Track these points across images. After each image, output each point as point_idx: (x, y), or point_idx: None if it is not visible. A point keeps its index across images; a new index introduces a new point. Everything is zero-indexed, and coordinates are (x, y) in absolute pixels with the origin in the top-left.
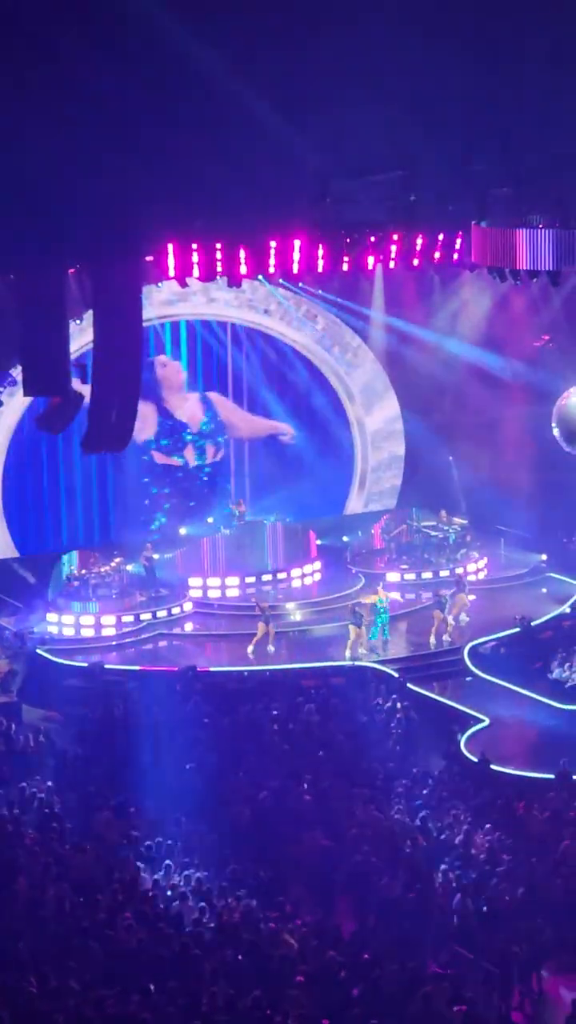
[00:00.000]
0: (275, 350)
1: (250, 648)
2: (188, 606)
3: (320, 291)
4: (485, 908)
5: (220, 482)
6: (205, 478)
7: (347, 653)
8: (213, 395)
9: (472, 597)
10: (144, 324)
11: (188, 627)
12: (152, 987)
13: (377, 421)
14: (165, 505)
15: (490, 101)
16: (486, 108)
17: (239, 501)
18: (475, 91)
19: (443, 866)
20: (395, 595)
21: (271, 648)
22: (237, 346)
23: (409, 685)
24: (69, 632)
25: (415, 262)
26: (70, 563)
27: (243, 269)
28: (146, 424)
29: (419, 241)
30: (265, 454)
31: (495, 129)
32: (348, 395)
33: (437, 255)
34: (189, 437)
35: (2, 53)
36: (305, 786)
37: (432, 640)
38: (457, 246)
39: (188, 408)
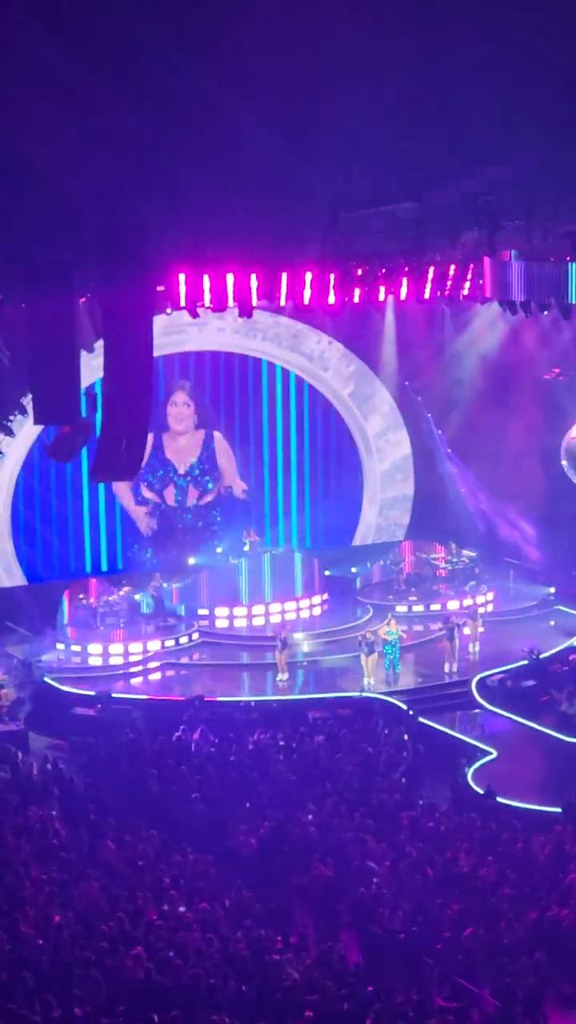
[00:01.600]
0: (285, 382)
1: (279, 677)
2: (196, 635)
3: (329, 323)
4: (490, 941)
5: (208, 526)
6: (189, 517)
7: (365, 683)
8: (218, 436)
9: (481, 629)
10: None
11: (196, 657)
12: (156, 1018)
13: (387, 452)
14: (148, 548)
15: (504, 131)
16: (499, 138)
17: (250, 531)
18: (488, 121)
19: (447, 899)
20: (402, 626)
21: (285, 677)
22: (246, 378)
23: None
24: (77, 661)
25: (426, 294)
26: (78, 592)
27: (254, 300)
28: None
29: (430, 273)
30: (273, 484)
31: (507, 160)
32: (359, 427)
33: (448, 287)
34: (173, 477)
35: (13, 83)
36: (311, 817)
37: (446, 669)
38: (468, 278)
39: (180, 447)
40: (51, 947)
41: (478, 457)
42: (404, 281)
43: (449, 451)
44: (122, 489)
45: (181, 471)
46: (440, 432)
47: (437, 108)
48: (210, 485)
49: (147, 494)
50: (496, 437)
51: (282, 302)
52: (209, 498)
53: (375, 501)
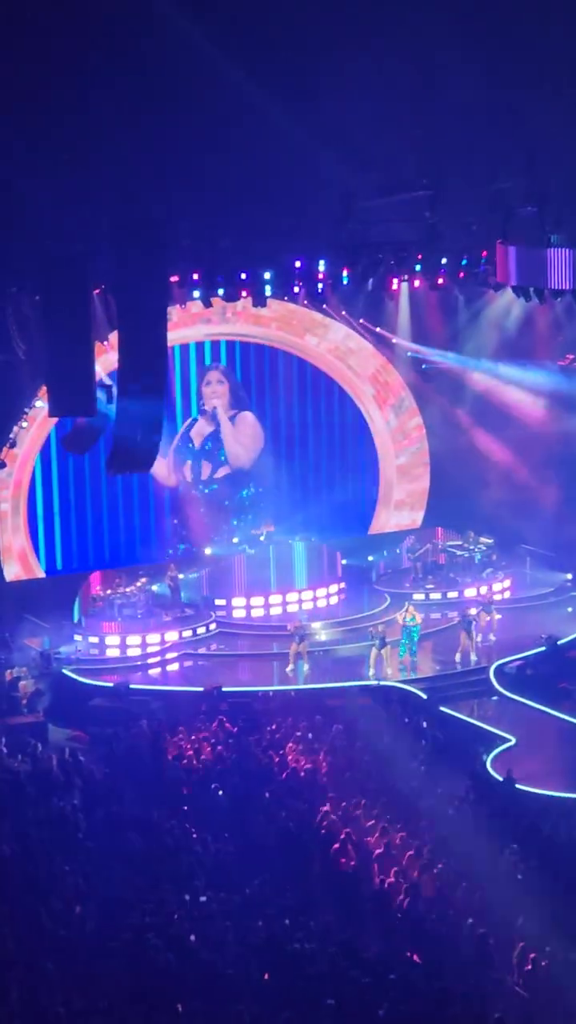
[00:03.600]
0: (300, 371)
1: (289, 668)
2: (213, 626)
3: (344, 312)
4: (511, 929)
5: (226, 501)
6: (207, 491)
7: (370, 672)
8: (246, 413)
9: (498, 616)
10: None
11: (213, 647)
12: (179, 1007)
13: (403, 440)
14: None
15: (515, 119)
16: (511, 126)
17: (266, 521)
18: (500, 109)
19: (468, 886)
20: (419, 614)
21: (306, 667)
22: (261, 364)
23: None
24: (94, 652)
25: (439, 281)
26: (96, 584)
27: (268, 289)
28: None
29: (444, 260)
30: (290, 473)
31: (520, 147)
32: (372, 414)
33: (461, 274)
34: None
35: (32, 77)
36: (330, 806)
37: (458, 658)
38: (481, 265)
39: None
40: (73, 938)
41: (494, 442)
42: (417, 268)
43: (465, 436)
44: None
45: (196, 447)
46: (456, 418)
47: (450, 95)
48: (222, 457)
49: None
50: (509, 423)
51: (295, 290)
52: (223, 473)
53: (391, 489)
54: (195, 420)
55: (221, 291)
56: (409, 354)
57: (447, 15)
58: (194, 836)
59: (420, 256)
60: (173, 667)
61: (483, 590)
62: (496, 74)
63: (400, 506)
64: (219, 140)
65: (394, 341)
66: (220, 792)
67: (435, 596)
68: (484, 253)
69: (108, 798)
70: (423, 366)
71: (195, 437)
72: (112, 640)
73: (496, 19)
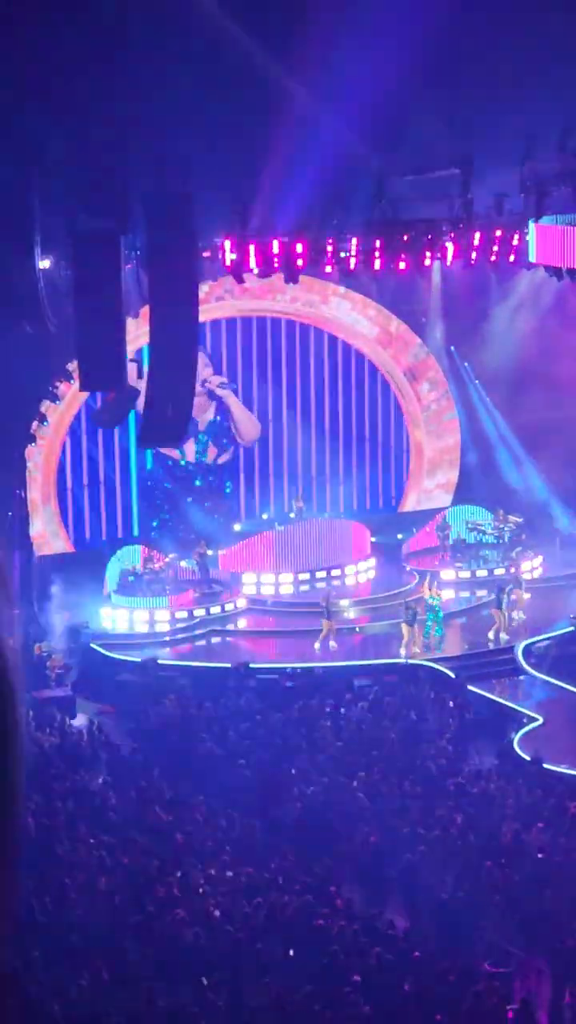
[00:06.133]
0: (331, 346)
1: (317, 644)
2: (241, 602)
3: (374, 289)
4: (537, 907)
5: (225, 485)
6: (211, 478)
7: (402, 651)
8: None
9: (527, 595)
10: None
11: (241, 623)
12: (204, 981)
13: (433, 419)
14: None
15: (549, 98)
16: (545, 105)
17: (297, 496)
18: (535, 87)
19: (494, 864)
20: (449, 593)
21: (333, 644)
22: (293, 341)
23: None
24: (123, 627)
25: (472, 260)
26: (124, 559)
27: (300, 265)
28: None
29: (476, 239)
30: (320, 450)
31: (553, 127)
32: (404, 392)
33: (494, 253)
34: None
35: (68, 53)
36: (356, 783)
37: (491, 636)
38: (514, 244)
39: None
40: (99, 911)
41: (526, 423)
42: (450, 247)
43: (497, 416)
44: None
45: (201, 427)
46: (487, 397)
47: (483, 73)
48: (226, 442)
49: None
50: (543, 402)
51: (328, 268)
52: (227, 456)
53: (422, 467)
54: None
55: (253, 267)
56: (439, 334)
57: None
58: (219, 811)
59: (453, 234)
60: (201, 643)
61: (512, 569)
62: (532, 51)
63: (430, 484)
64: (253, 119)
65: (424, 320)
66: (246, 768)
67: (464, 575)
68: (517, 232)
69: (135, 773)
70: (451, 347)
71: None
72: (140, 615)
73: None
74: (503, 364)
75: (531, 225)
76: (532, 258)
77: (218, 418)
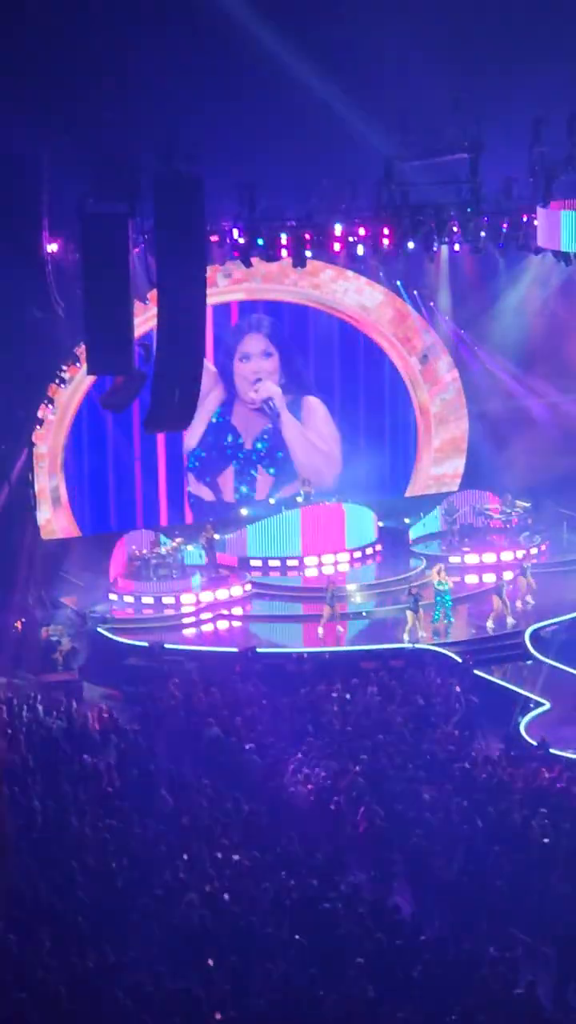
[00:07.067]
0: (339, 330)
1: (320, 629)
2: (248, 587)
3: (381, 273)
4: (543, 892)
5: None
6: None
7: (405, 637)
8: (311, 400)
9: (532, 582)
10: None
11: (248, 608)
12: (211, 963)
13: (441, 404)
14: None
15: (557, 81)
16: (553, 89)
17: (305, 480)
18: (543, 71)
19: (500, 849)
20: (455, 578)
21: (340, 629)
22: (298, 324)
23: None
24: (130, 611)
25: (480, 245)
26: (131, 543)
27: (308, 250)
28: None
29: (484, 223)
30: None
31: (562, 111)
32: (412, 378)
33: (502, 238)
34: (240, 456)
35: (76, 38)
36: (362, 768)
37: (490, 624)
38: (522, 229)
39: (247, 413)
40: (107, 894)
41: (532, 407)
42: (457, 231)
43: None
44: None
45: (248, 446)
46: (498, 378)
47: (491, 56)
48: (272, 471)
49: (193, 486)
50: (551, 387)
51: (335, 251)
52: (272, 482)
53: (429, 451)
54: (230, 402)
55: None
56: (447, 316)
57: None
58: (226, 795)
59: (461, 219)
60: (208, 627)
61: (519, 554)
62: (539, 35)
63: (437, 468)
64: (261, 103)
65: (432, 304)
66: (253, 752)
67: (471, 559)
68: (525, 217)
69: (141, 756)
70: (461, 331)
71: (241, 431)
72: (147, 600)
73: None
74: (510, 348)
75: (539, 210)
76: (540, 242)
77: (262, 444)
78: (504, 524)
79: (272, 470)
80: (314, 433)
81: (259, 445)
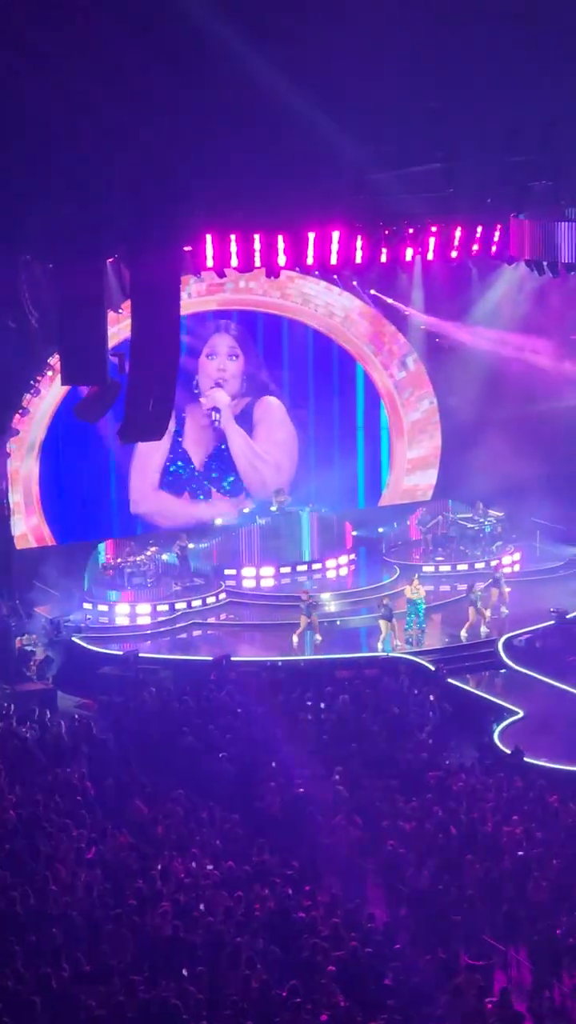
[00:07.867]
0: (313, 339)
1: (295, 637)
2: (223, 596)
3: (355, 283)
4: (517, 900)
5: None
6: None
7: (379, 646)
8: (269, 400)
9: (508, 589)
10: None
11: (222, 617)
12: (184, 973)
13: (414, 413)
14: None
15: (530, 91)
16: (526, 99)
17: (280, 490)
18: (515, 81)
19: (474, 857)
20: (429, 587)
21: (318, 638)
22: (269, 336)
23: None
24: (104, 620)
25: (453, 254)
26: (105, 552)
27: (281, 260)
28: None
29: (457, 233)
30: (303, 442)
31: (535, 121)
32: (386, 388)
33: (475, 247)
34: (192, 485)
35: (44, 44)
36: (337, 776)
37: (464, 634)
38: (495, 239)
39: (198, 430)
40: (80, 904)
41: (505, 416)
42: (431, 241)
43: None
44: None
45: (199, 468)
46: (468, 389)
47: (464, 68)
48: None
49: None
50: (523, 396)
51: (309, 261)
52: (249, 506)
53: (402, 460)
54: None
55: (234, 261)
56: (421, 326)
57: None
58: (200, 804)
59: (434, 228)
60: (182, 636)
61: (493, 563)
62: (512, 45)
63: (411, 477)
64: (232, 112)
65: (406, 312)
66: (227, 761)
67: (445, 568)
68: (498, 226)
69: (115, 766)
70: (436, 339)
71: (192, 450)
72: (122, 608)
73: None
74: (483, 358)
75: (512, 219)
76: (514, 252)
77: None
78: (477, 533)
79: (227, 485)
80: (264, 440)
81: (212, 466)
